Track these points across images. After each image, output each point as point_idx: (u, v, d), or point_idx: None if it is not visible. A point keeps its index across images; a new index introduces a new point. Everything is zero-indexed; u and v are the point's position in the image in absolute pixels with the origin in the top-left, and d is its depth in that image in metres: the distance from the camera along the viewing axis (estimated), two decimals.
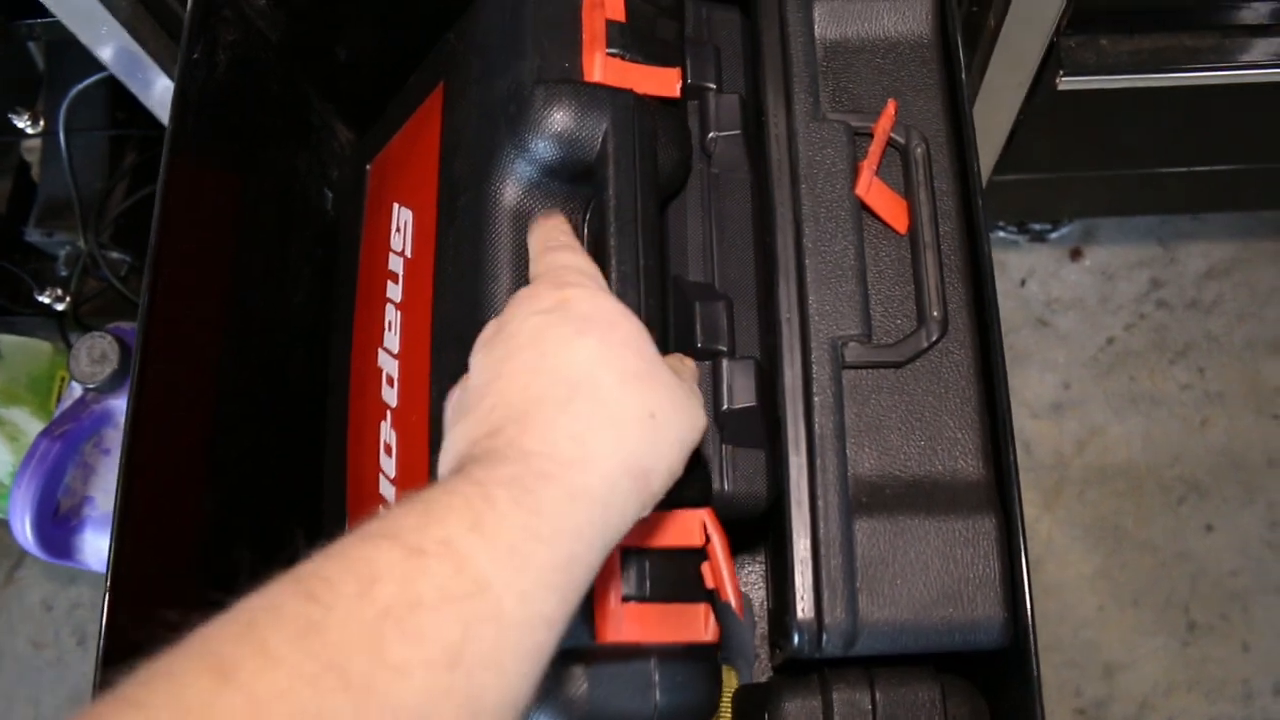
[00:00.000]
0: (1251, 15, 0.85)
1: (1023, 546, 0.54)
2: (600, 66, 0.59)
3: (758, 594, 0.87)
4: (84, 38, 0.83)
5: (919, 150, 0.61)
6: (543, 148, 0.58)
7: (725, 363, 0.64)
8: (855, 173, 0.60)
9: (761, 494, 0.65)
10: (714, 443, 0.65)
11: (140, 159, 1.29)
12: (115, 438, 1.08)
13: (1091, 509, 1.29)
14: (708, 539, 0.53)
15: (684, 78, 0.63)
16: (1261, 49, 0.86)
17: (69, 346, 1.29)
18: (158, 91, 1.03)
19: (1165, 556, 1.27)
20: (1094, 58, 0.81)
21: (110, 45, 0.87)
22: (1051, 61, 0.80)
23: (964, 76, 0.61)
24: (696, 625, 0.54)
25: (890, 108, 0.62)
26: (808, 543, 0.54)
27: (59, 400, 1.20)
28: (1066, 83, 0.81)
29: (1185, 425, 1.31)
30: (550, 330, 0.45)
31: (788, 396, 0.56)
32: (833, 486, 0.55)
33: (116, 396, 1.07)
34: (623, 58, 0.60)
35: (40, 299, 1.24)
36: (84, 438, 1.07)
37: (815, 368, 0.56)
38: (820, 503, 0.55)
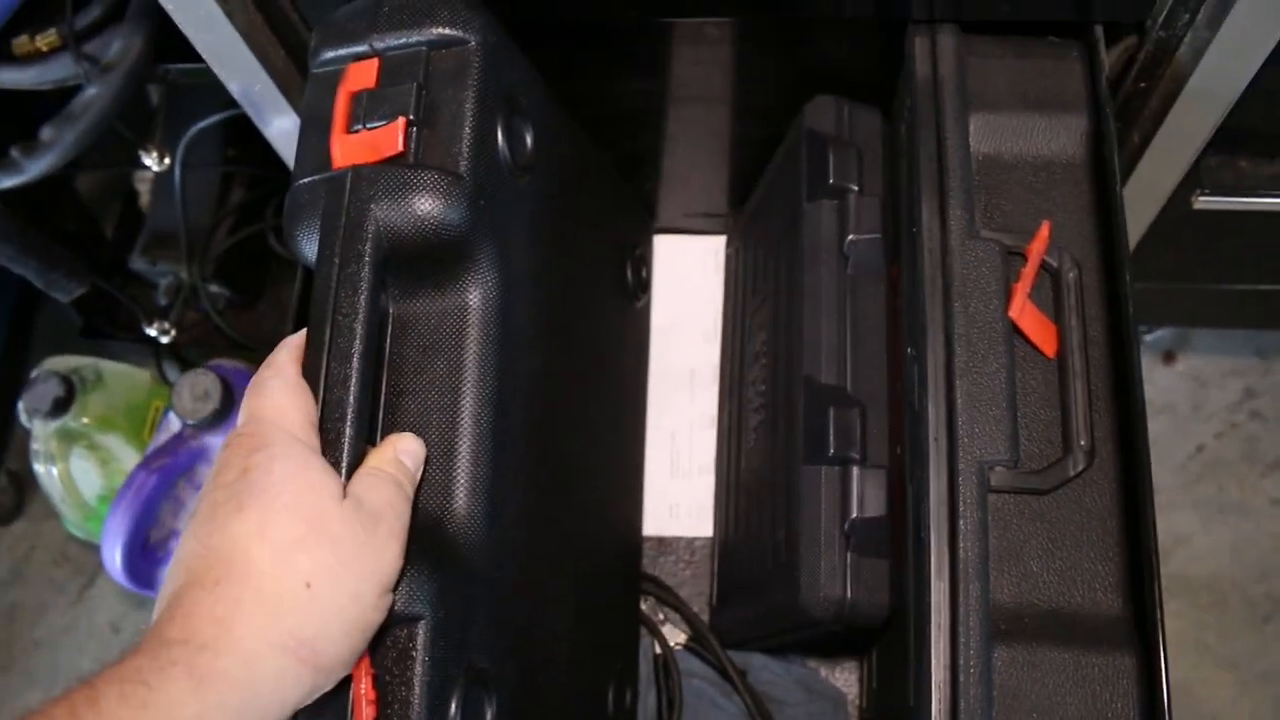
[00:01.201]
0: None
1: (1165, 691, 0.53)
2: (340, 149, 0.58)
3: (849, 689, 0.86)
4: (222, 75, 0.85)
5: (1071, 275, 0.61)
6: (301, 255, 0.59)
7: (856, 471, 0.64)
8: (1008, 293, 0.60)
9: (884, 604, 0.65)
10: (838, 550, 0.65)
11: (247, 197, 1.31)
12: (208, 474, 1.10)
13: (1174, 620, 1.26)
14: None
15: (412, 123, 0.59)
16: None
17: (163, 375, 1.31)
18: (277, 128, 1.04)
19: (1247, 675, 1.24)
20: (1233, 179, 0.81)
21: (243, 83, 0.88)
22: (1189, 179, 0.80)
23: (1122, 204, 0.61)
24: None
25: (1044, 229, 0.62)
26: (947, 669, 0.54)
27: (152, 430, 1.22)
28: (1203, 202, 0.81)
29: (1274, 540, 1.29)
30: (219, 508, 0.46)
31: (932, 518, 0.56)
32: (975, 613, 0.54)
33: (214, 434, 1.09)
34: (360, 130, 0.58)
35: (148, 330, 1.26)
36: (179, 472, 1.08)
37: (962, 490, 0.56)
38: (961, 629, 0.54)
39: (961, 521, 0.55)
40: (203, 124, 1.18)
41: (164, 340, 1.27)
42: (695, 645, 0.87)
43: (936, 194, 0.62)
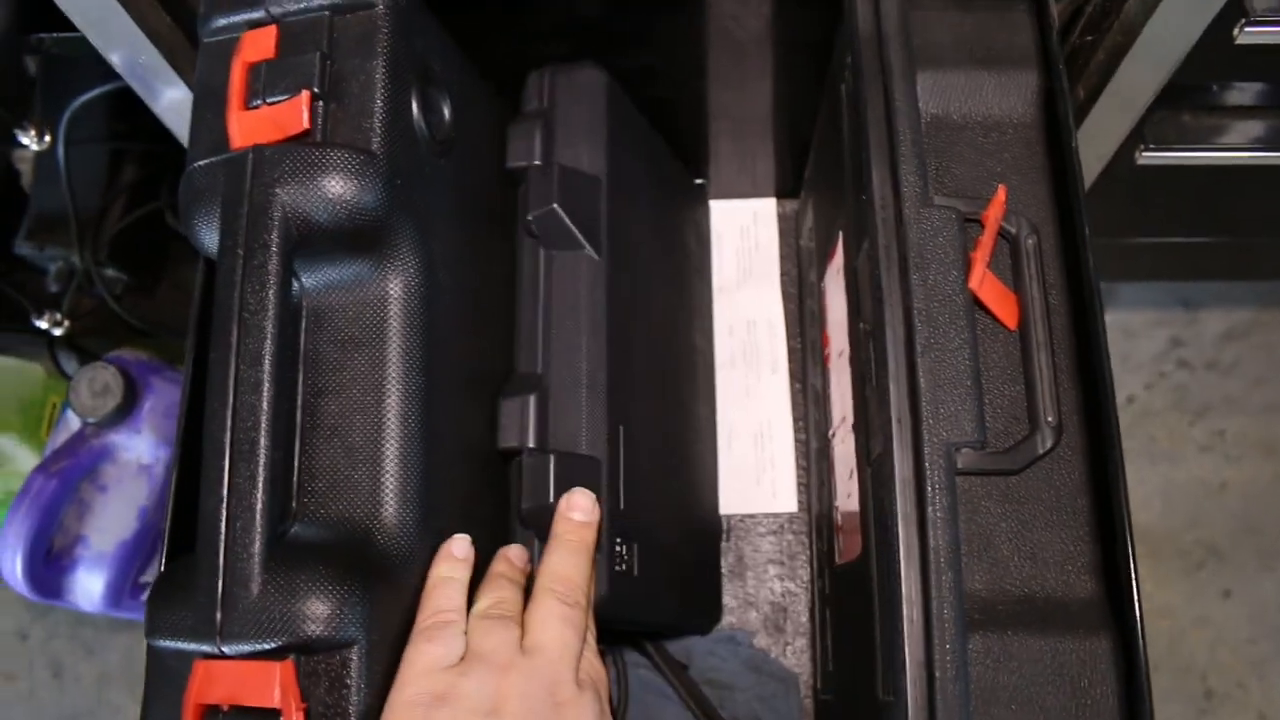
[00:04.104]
0: None
1: (1144, 671, 0.51)
2: (239, 127, 0.53)
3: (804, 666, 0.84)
4: (100, 45, 0.78)
5: (1030, 241, 0.58)
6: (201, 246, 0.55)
7: (524, 459, 0.62)
8: (967, 264, 0.57)
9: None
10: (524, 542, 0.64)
11: (141, 174, 1.23)
12: (114, 475, 1.03)
13: None
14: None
15: (318, 96, 0.54)
16: None
17: (59, 369, 1.23)
18: (168, 101, 0.97)
19: (1183, 622, 1.26)
20: (1175, 133, 0.79)
21: (126, 53, 0.81)
22: (1135, 135, 0.77)
23: (1079, 164, 0.58)
24: None
25: (1000, 194, 0.59)
26: (922, 665, 0.51)
27: (50, 428, 1.14)
28: (1147, 157, 0.79)
29: (1204, 487, 1.30)
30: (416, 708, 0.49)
31: (899, 505, 0.53)
32: (948, 604, 0.51)
33: (117, 431, 1.02)
34: (260, 106, 0.53)
35: (38, 322, 1.18)
36: (81, 474, 1.01)
37: (929, 474, 0.53)
38: (935, 622, 0.51)
39: (930, 508, 0.52)
40: (86, 97, 1.10)
41: (57, 332, 1.19)
42: (633, 641, 0.84)
43: (887, 159, 0.58)
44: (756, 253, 0.95)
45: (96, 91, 1.10)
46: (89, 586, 1.04)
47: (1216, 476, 1.31)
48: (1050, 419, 0.55)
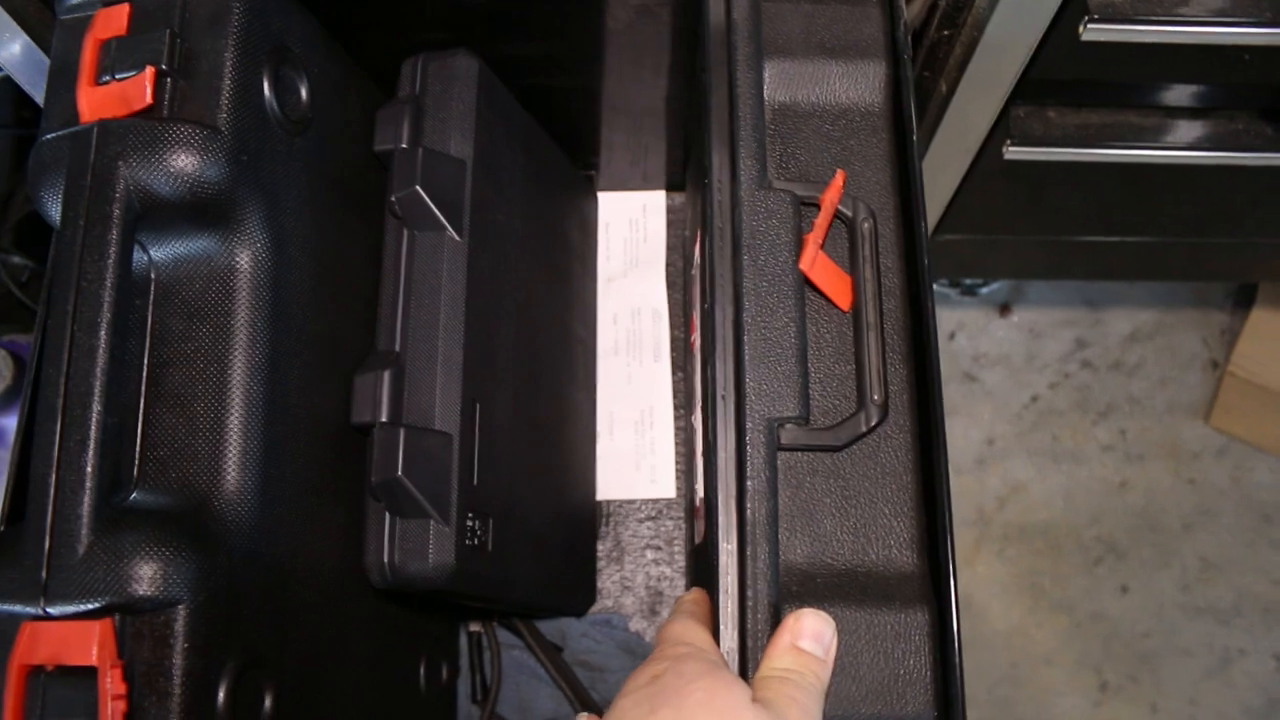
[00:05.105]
0: (1190, 97, 0.85)
1: (956, 643, 0.52)
2: (87, 102, 0.55)
3: None
4: None
5: (866, 225, 0.60)
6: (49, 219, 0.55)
7: (376, 433, 0.63)
8: (800, 245, 0.58)
9: (428, 566, 0.63)
10: (376, 515, 0.64)
11: None
12: (3, 458, 1.03)
13: (1010, 566, 1.29)
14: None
15: (164, 73, 0.54)
16: (1194, 131, 0.87)
17: None
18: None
19: (1080, 617, 1.28)
20: (1041, 129, 0.81)
21: (11, 48, 0.82)
22: (1000, 130, 0.79)
23: (917, 151, 0.60)
24: None
25: (839, 179, 0.60)
26: (735, 634, 0.52)
27: None
28: (1014, 152, 0.81)
29: (1105, 486, 1.32)
30: (630, 711, 0.48)
31: (720, 478, 0.54)
32: (763, 576, 0.53)
33: (7, 414, 1.01)
34: (109, 82, 0.55)
35: None
36: None
37: (750, 450, 0.54)
38: (750, 593, 0.52)
39: (749, 481, 0.54)
40: None
41: None
42: (507, 622, 0.85)
43: (727, 144, 0.60)
44: (644, 244, 0.96)
45: None
46: None
47: (1118, 475, 1.33)
48: (876, 397, 0.56)
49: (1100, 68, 0.74)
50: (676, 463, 0.90)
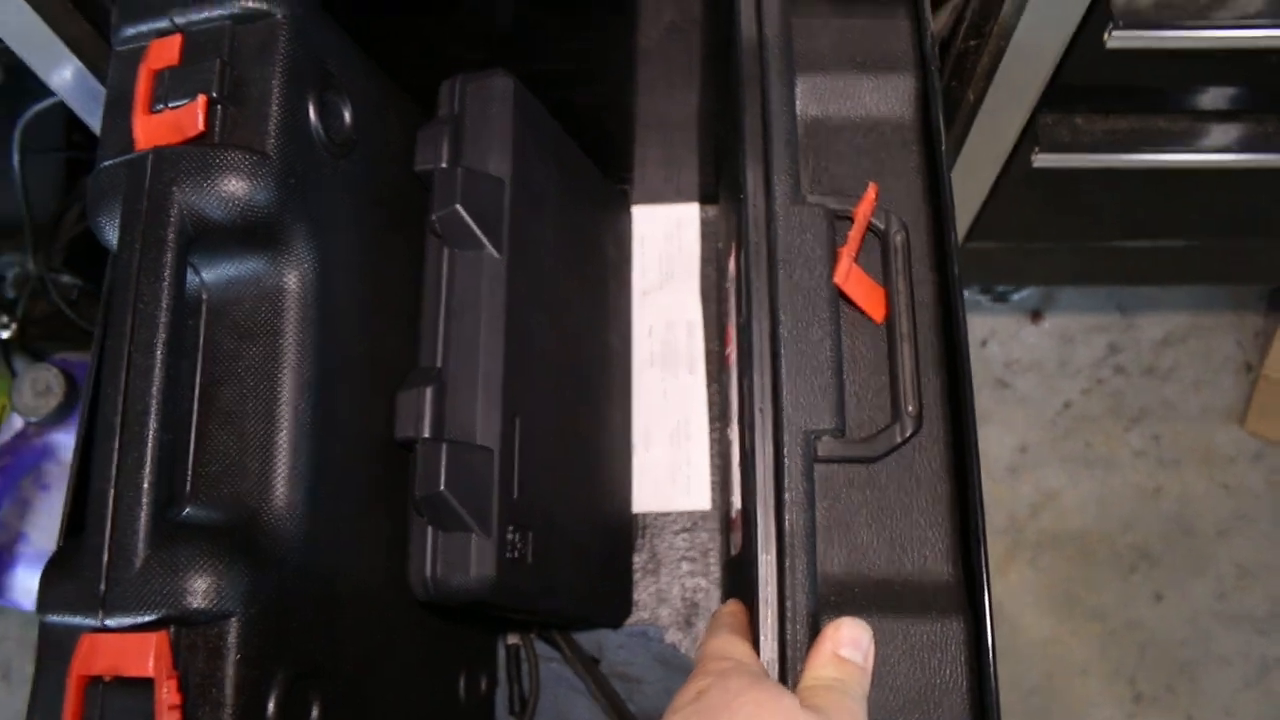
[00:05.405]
0: (1218, 100, 0.86)
1: (991, 652, 0.53)
2: (143, 130, 0.56)
3: None
4: (38, 68, 0.81)
5: (899, 237, 0.61)
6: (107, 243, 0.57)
7: (419, 448, 0.65)
8: (834, 259, 0.59)
9: (470, 579, 0.65)
10: (419, 528, 0.66)
11: None
12: (55, 473, 1.05)
13: (1044, 575, 1.29)
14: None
15: (215, 101, 0.56)
16: (1223, 135, 0.87)
17: (12, 371, 1.25)
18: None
19: (1115, 625, 1.27)
20: (1069, 136, 0.81)
21: (65, 74, 0.84)
22: (1028, 138, 0.80)
23: (946, 163, 0.60)
24: None
25: (871, 192, 0.61)
26: (775, 645, 0.53)
27: None
28: (1042, 159, 0.81)
29: (1139, 492, 1.32)
30: None
31: (759, 490, 0.55)
32: (801, 587, 0.54)
33: (58, 430, 1.04)
34: (163, 110, 0.56)
35: None
36: (23, 472, 1.03)
37: (788, 461, 0.55)
38: (789, 604, 0.53)
39: (787, 494, 0.55)
40: (40, 106, 1.12)
41: (4, 334, 1.21)
42: (545, 634, 0.86)
43: (761, 159, 0.61)
44: (679, 256, 0.97)
45: (51, 101, 1.12)
46: (29, 584, 1.05)
47: (1151, 481, 1.33)
48: (911, 408, 0.57)
49: (1126, 74, 0.75)
50: (712, 475, 0.91)
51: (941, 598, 0.55)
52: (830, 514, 0.57)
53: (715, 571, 0.88)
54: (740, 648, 0.53)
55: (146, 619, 0.51)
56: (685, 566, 0.88)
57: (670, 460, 0.91)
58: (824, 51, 0.65)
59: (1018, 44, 0.67)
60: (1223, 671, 1.26)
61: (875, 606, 0.55)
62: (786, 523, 0.54)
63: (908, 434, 0.57)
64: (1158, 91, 0.82)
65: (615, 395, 0.89)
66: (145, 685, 0.51)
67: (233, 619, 0.52)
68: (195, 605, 0.51)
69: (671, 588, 0.88)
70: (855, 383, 0.59)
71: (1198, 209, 1.03)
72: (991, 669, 0.53)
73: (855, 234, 0.60)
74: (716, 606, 0.59)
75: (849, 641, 0.51)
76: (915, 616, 0.55)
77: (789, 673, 0.52)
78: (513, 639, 0.84)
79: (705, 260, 0.97)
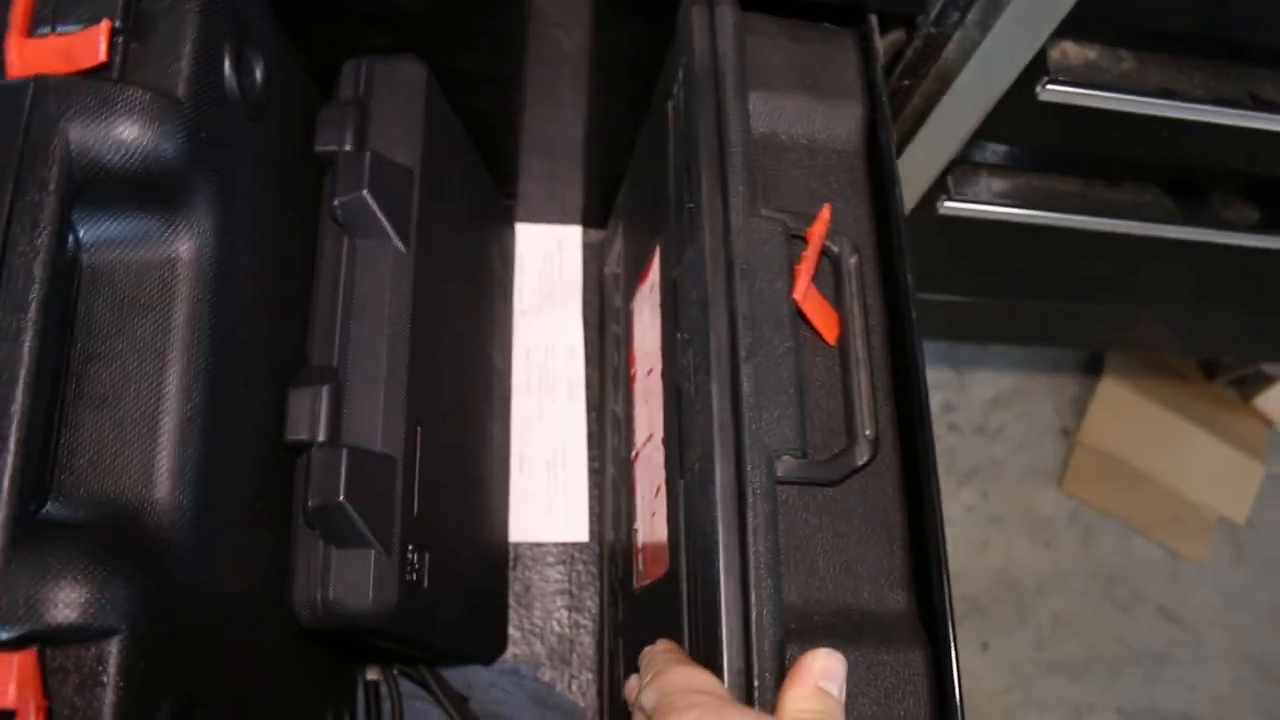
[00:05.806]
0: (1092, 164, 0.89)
1: (956, 681, 0.51)
2: (20, 54, 0.49)
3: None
4: None
5: (852, 261, 0.59)
6: None
7: (313, 453, 0.58)
8: (792, 275, 0.57)
9: (368, 602, 0.57)
10: (308, 544, 0.59)
11: None
12: None
13: None
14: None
15: (118, 30, 0.49)
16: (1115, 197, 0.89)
17: None
18: None
19: None
20: (975, 187, 0.82)
21: None
22: (939, 186, 0.80)
23: (900, 192, 0.59)
24: None
25: (826, 213, 0.59)
26: (740, 674, 0.49)
27: None
28: (948, 207, 0.82)
29: (969, 545, 1.36)
30: None
31: (719, 511, 0.51)
32: (768, 613, 0.50)
33: None
34: (48, 34, 0.49)
35: None
36: None
37: (750, 481, 0.52)
38: (754, 630, 0.49)
39: (750, 514, 0.51)
40: None
41: None
42: (409, 670, 0.78)
43: (717, 170, 0.58)
44: (559, 279, 0.93)
45: None
46: None
47: (980, 535, 1.37)
48: (868, 433, 0.55)
49: (1047, 129, 0.76)
50: (590, 506, 0.86)
51: (900, 627, 0.53)
52: (787, 539, 0.54)
53: (592, 607, 0.83)
54: (706, 679, 0.48)
55: (7, 635, 0.42)
56: (560, 601, 0.83)
57: (547, 489, 0.86)
58: (775, 70, 0.63)
59: (958, 88, 0.67)
60: (1042, 717, 1.30)
61: (836, 635, 0.52)
62: (750, 545, 0.50)
63: (866, 458, 0.55)
64: (1063, 150, 0.84)
65: (498, 415, 0.83)
66: (3, 717, 0.42)
67: (114, 638, 0.44)
68: (68, 619, 0.43)
69: (546, 623, 0.82)
70: (811, 404, 0.56)
71: (1054, 267, 1.06)
72: (958, 701, 0.50)
73: (811, 253, 0.58)
74: (649, 649, 0.54)
75: (827, 673, 0.48)
76: (875, 646, 0.52)
77: (753, 704, 0.49)
78: (372, 674, 0.77)
79: (585, 285, 0.93)
